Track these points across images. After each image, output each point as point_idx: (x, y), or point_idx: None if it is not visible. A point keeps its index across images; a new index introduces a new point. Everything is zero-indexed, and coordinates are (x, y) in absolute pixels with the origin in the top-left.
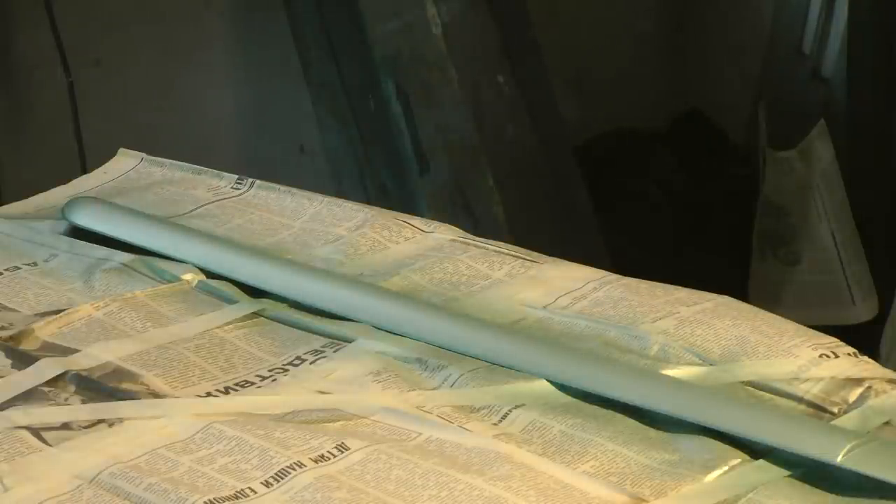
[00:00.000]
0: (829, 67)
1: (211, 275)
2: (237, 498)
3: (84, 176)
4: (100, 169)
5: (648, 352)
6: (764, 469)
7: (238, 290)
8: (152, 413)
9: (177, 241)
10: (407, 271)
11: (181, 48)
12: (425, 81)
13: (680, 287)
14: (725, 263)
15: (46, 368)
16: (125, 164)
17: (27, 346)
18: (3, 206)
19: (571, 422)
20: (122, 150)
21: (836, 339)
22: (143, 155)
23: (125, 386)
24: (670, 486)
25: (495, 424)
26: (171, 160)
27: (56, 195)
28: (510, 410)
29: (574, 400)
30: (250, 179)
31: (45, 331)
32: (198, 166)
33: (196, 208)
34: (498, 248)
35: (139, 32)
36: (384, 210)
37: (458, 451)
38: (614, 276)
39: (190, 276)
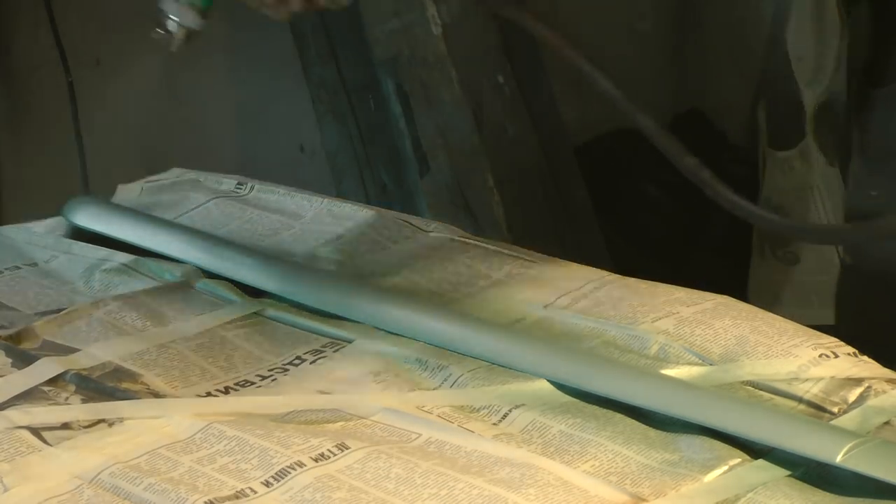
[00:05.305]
0: None
1: (211, 275)
2: (237, 498)
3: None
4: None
5: (648, 352)
6: (764, 469)
7: (238, 290)
8: (152, 413)
9: (177, 241)
10: (407, 271)
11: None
12: (425, 81)
13: (680, 287)
14: (725, 263)
15: (46, 368)
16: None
17: (27, 345)
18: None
19: (571, 422)
20: (121, 186)
21: (836, 339)
22: (143, 185)
23: (125, 385)
24: (670, 486)
25: (495, 424)
26: (171, 177)
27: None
28: (510, 410)
29: (574, 400)
30: (250, 183)
31: (46, 330)
32: (198, 171)
33: (196, 208)
34: (498, 248)
35: (139, 32)
36: (384, 210)
37: (457, 452)
38: (614, 276)
39: (190, 276)
